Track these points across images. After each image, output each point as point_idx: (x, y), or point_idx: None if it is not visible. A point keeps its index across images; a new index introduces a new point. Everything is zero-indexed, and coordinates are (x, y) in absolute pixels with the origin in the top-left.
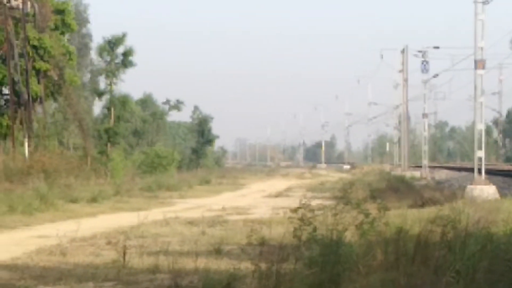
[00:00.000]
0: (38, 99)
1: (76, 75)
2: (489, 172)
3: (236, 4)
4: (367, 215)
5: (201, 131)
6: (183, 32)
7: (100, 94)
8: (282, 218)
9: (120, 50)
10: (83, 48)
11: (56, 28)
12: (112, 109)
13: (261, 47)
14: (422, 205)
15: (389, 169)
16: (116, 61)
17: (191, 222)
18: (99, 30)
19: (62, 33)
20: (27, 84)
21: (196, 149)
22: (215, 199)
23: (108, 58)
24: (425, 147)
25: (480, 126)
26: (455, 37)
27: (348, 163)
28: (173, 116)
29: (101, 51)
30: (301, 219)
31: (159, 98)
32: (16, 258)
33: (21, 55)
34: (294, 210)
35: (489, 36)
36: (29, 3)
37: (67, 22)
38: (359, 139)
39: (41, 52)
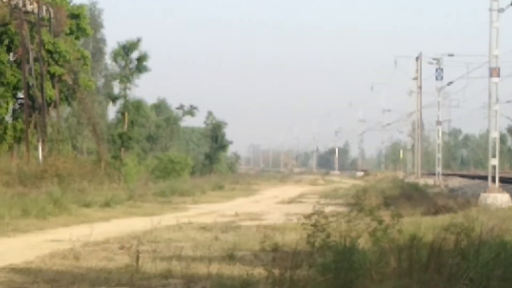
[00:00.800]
0: (53, 104)
1: (91, 80)
2: (503, 180)
3: (246, 12)
4: (380, 222)
5: (215, 136)
6: (197, 38)
7: (114, 99)
8: (295, 224)
9: (134, 55)
10: (98, 53)
11: (71, 32)
12: (126, 114)
13: (274, 54)
14: (436, 212)
15: (403, 176)
16: (131, 66)
17: (204, 228)
18: (113, 35)
19: (77, 38)
20: (41, 89)
21: (210, 154)
22: (228, 204)
23: (123, 63)
24: (439, 155)
25: (494, 134)
26: (470, 45)
27: (362, 170)
28: (187, 122)
29: (115, 56)
30: (315, 226)
31: (173, 103)
32: (30, 261)
33: (36, 60)
34: (308, 217)
35: (504, 43)
36: (44, 7)
37: (82, 26)
38: (372, 146)
39: (56, 56)
